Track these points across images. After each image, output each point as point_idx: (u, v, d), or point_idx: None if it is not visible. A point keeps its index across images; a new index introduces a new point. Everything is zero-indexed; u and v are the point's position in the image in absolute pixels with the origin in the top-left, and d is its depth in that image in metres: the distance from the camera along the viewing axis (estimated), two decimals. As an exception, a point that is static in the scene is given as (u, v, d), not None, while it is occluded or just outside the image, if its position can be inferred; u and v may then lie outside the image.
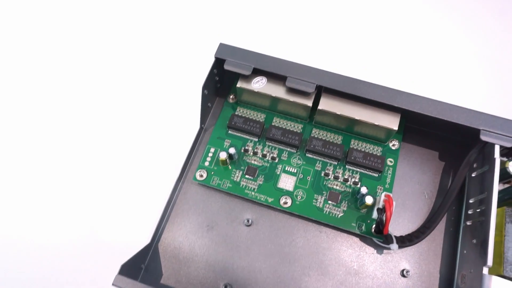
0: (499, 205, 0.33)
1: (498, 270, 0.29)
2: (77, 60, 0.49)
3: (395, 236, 0.33)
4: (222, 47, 0.36)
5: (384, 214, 0.32)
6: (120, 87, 0.47)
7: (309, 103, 0.35)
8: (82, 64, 0.49)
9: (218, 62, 0.36)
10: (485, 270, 0.29)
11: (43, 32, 0.52)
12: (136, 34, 0.51)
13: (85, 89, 0.47)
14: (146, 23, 0.52)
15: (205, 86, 0.35)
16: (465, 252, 0.33)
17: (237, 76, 0.37)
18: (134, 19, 0.53)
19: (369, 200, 0.33)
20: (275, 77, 0.36)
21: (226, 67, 0.35)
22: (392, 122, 0.34)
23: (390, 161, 0.36)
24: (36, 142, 0.44)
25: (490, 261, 0.29)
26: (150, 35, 0.51)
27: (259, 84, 0.36)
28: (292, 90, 0.35)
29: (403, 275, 0.33)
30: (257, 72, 0.36)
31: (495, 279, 0.28)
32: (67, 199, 0.40)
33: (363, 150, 0.37)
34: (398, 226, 0.35)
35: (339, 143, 0.37)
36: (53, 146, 0.43)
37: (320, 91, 0.36)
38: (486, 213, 0.30)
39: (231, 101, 0.39)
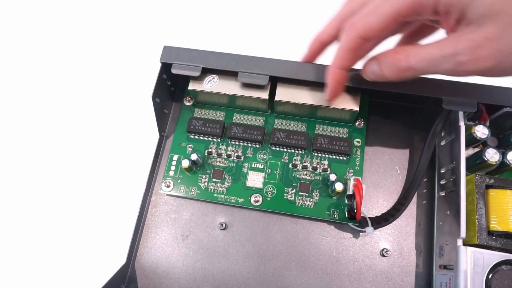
0: (471, 170, 0.32)
1: (473, 240, 0.29)
2: (19, 75, 0.47)
3: (370, 218, 0.32)
4: (167, 50, 0.34)
5: (354, 200, 0.31)
6: (69, 106, 0.45)
7: (265, 95, 0.34)
8: (25, 81, 0.47)
9: (166, 67, 0.34)
10: (460, 242, 0.28)
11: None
12: (81, 48, 0.49)
13: (27, 109, 0.45)
14: (92, 36, 0.50)
15: (155, 94, 0.34)
16: (441, 223, 0.32)
17: (189, 78, 0.35)
18: (77, 35, 0.50)
19: (339, 186, 0.32)
20: (226, 74, 0.34)
21: (173, 71, 0.33)
22: (352, 103, 0.33)
23: (358, 142, 0.35)
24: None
25: (463, 233, 0.28)
26: (95, 48, 0.49)
27: (211, 84, 0.34)
28: (246, 85, 0.34)
29: (383, 255, 0.33)
30: (207, 71, 0.34)
31: (471, 250, 0.28)
32: (30, 228, 0.39)
33: (328, 134, 0.36)
34: (373, 206, 0.35)
35: (303, 130, 0.36)
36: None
37: (276, 80, 0.34)
38: (457, 184, 0.30)
39: (188, 103, 0.38)
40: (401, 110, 0.37)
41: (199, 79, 0.35)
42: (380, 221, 0.32)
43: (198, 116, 0.37)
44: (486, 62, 0.22)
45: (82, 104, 0.45)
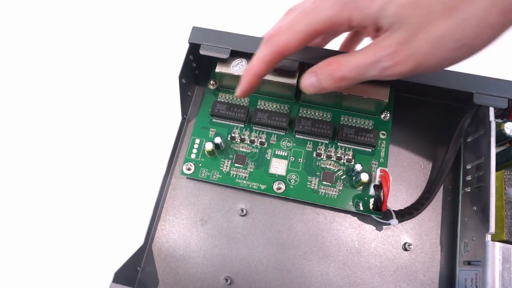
0: (497, 168, 0.32)
1: (500, 236, 0.28)
2: (47, 57, 0.47)
3: (394, 211, 0.32)
4: (196, 30, 0.34)
5: (382, 191, 0.31)
6: (92, 85, 0.44)
7: (294, 81, 0.33)
8: (53, 61, 0.46)
9: (193, 48, 0.34)
10: (488, 237, 0.28)
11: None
12: (107, 27, 0.48)
13: (56, 90, 0.44)
14: (117, 14, 0.49)
15: (182, 75, 0.33)
16: (465, 219, 0.32)
17: (215, 61, 0.34)
18: (103, 11, 0.49)
19: (364, 177, 0.32)
20: (255, 58, 0.34)
21: (202, 52, 0.33)
22: (381, 94, 0.33)
23: (383, 134, 0.35)
24: (8, 146, 0.42)
25: (492, 228, 0.28)
26: (120, 27, 0.48)
27: (238, 67, 0.34)
28: (274, 70, 0.33)
29: (405, 249, 0.33)
30: (236, 54, 0.34)
31: (499, 245, 0.28)
32: (49, 207, 0.38)
33: (354, 125, 0.35)
34: (396, 200, 0.34)
35: (328, 120, 0.36)
36: (21, 154, 0.41)
37: (304, 67, 0.34)
38: (485, 179, 0.30)
39: (212, 87, 0.37)
40: (426, 106, 0.37)
41: (226, 62, 0.34)
42: (404, 215, 0.32)
43: (222, 101, 0.37)
44: (407, 65, 0.22)
45: (101, 84, 0.44)
